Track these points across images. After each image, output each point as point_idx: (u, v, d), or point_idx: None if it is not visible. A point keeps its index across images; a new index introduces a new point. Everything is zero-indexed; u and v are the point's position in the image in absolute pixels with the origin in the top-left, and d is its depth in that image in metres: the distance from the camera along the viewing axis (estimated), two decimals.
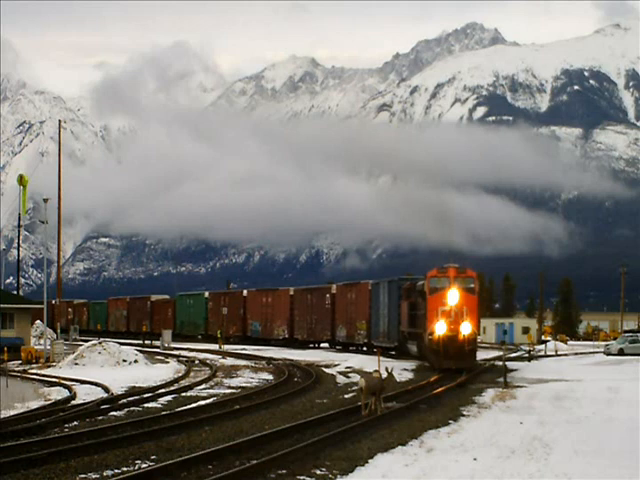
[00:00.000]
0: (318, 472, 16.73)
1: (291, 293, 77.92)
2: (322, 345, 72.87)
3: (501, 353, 51.11)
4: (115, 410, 26.24)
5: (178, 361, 51.98)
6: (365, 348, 62.33)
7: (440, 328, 40.64)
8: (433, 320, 41.15)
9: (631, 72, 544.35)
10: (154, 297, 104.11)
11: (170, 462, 16.79)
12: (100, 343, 49.73)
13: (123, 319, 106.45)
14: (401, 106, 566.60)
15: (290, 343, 74.70)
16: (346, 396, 30.51)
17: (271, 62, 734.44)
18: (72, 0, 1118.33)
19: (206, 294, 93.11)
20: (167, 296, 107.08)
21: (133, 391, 32.31)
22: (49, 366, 47.69)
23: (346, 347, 66.49)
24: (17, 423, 22.75)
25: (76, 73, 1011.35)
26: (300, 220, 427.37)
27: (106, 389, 32.43)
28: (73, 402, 28.65)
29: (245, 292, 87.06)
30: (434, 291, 41.87)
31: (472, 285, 42.16)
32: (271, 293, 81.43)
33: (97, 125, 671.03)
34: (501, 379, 35.71)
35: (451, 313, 40.77)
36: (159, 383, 35.93)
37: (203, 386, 35.04)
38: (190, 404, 27.79)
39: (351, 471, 16.74)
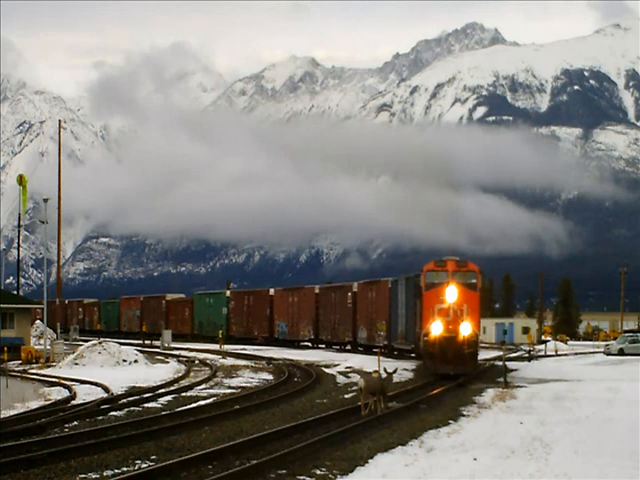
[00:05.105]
0: (318, 472, 16.72)
1: (316, 291, 74.17)
2: (346, 347, 67.81)
3: (501, 353, 51.08)
4: (115, 410, 26.23)
5: (178, 361, 51.97)
6: (385, 350, 55.46)
7: (436, 328, 36.77)
8: (429, 319, 37.11)
9: (631, 72, 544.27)
10: (169, 296, 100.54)
11: (170, 462, 16.78)
12: (100, 343, 49.72)
13: (136, 319, 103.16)
14: (401, 106, 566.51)
15: (316, 345, 72.08)
16: (346, 396, 30.50)
17: (271, 62, 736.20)
18: (72, 0, 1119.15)
19: (227, 293, 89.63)
20: (183, 295, 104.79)
21: (133, 391, 32.30)
22: (49, 366, 47.68)
23: (368, 349, 61.85)
24: (17, 423, 22.73)
25: (76, 73, 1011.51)
26: (300, 220, 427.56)
27: (106, 389, 32.43)
28: (73, 402, 28.64)
29: (272, 291, 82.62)
30: (431, 287, 37.67)
31: (474, 280, 37.79)
32: (297, 292, 77.91)
33: (97, 125, 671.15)
34: (501, 379, 35.65)
35: (449, 312, 36.79)
36: (159, 383, 35.93)
37: (203, 386, 35.03)
38: (190, 404, 27.78)
39: (351, 471, 16.72)
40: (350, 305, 66.13)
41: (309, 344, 74.18)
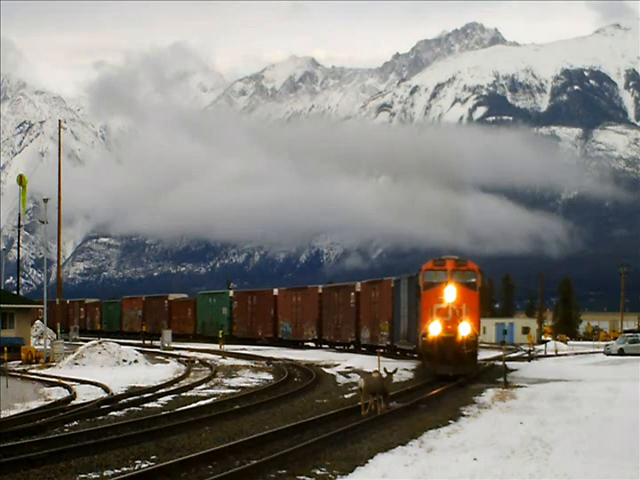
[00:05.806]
0: (318, 472, 16.72)
1: (320, 291, 74.02)
2: (349, 348, 67.28)
3: (501, 353, 51.10)
4: (115, 410, 26.22)
5: (178, 361, 51.98)
6: (388, 351, 54.71)
7: (435, 328, 36.21)
8: (427, 319, 36.56)
9: (631, 72, 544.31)
10: (172, 296, 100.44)
11: (170, 462, 16.77)
12: (100, 343, 49.71)
13: (138, 319, 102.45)
14: (401, 106, 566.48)
15: (319, 345, 71.85)
16: (346, 396, 30.49)
17: (271, 62, 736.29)
18: (72, 0, 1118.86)
19: (231, 293, 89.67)
20: (185, 295, 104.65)
21: (133, 391, 32.29)
22: (49, 366, 47.68)
23: (371, 349, 60.37)
24: (17, 423, 22.72)
25: (76, 73, 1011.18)
26: (300, 220, 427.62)
27: (106, 389, 32.42)
28: (73, 402, 28.63)
29: (276, 291, 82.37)
30: (429, 286, 37.17)
31: (473, 280, 37.22)
32: (300, 292, 77.59)
33: (97, 125, 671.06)
34: (501, 379, 35.65)
35: (448, 311, 36.21)
36: (159, 383, 35.93)
37: (203, 386, 35.03)
38: (190, 404, 27.77)
39: (351, 471, 16.72)
40: (353, 305, 65.70)
41: (312, 344, 74.02)
